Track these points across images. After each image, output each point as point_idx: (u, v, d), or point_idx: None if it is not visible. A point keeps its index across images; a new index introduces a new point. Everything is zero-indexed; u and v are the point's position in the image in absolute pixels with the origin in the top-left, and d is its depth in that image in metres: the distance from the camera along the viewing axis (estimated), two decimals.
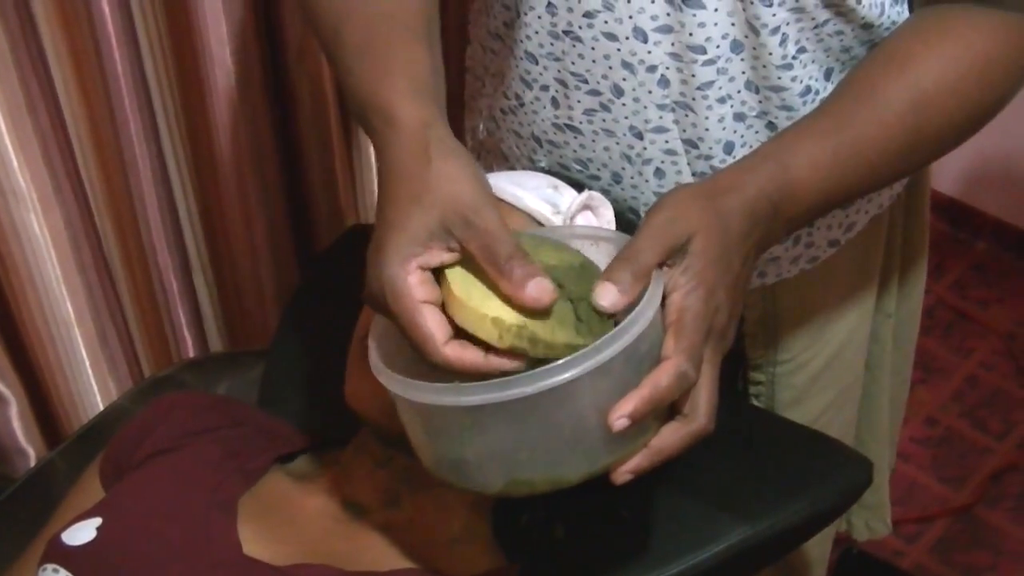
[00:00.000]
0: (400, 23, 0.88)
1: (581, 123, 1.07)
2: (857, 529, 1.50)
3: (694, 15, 0.96)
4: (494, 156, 1.21)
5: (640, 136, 1.05)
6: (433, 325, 0.75)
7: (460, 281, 0.77)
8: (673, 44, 0.98)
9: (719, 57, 0.98)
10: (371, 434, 1.02)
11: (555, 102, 1.08)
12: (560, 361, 0.73)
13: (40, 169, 1.25)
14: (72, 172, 1.28)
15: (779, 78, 0.99)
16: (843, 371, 1.28)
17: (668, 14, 0.97)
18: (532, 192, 1.02)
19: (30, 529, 1.07)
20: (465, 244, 0.76)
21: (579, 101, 1.06)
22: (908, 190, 1.22)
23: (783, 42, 0.97)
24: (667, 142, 1.04)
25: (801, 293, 1.19)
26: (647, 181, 1.08)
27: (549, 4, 1.02)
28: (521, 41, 1.06)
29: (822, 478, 1.10)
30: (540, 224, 1.00)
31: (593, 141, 1.08)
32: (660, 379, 0.75)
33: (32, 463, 1.38)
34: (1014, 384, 2.35)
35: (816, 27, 0.97)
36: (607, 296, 0.77)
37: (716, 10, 0.95)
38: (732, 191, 0.85)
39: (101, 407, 1.40)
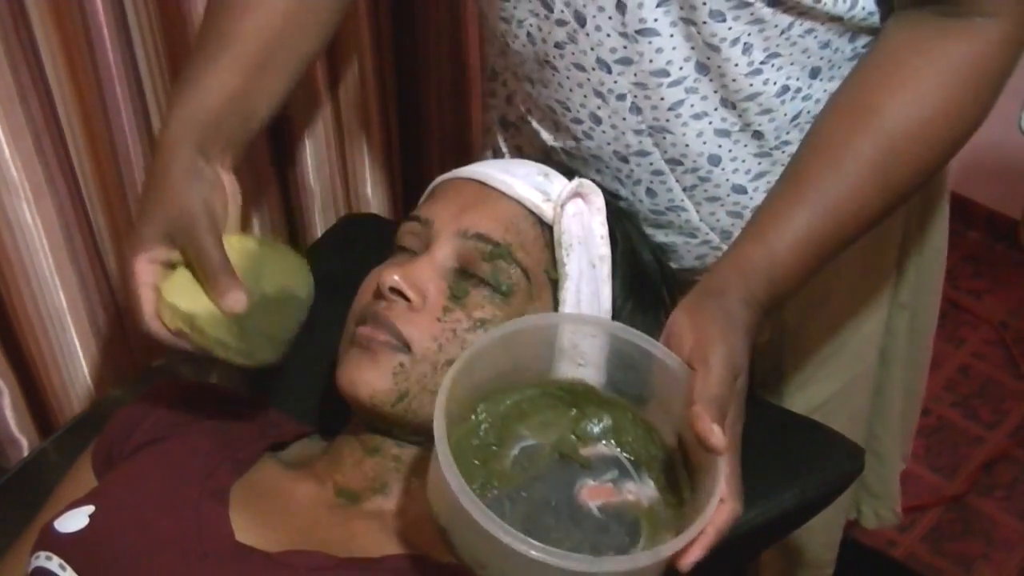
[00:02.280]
0: (240, 44, 1.03)
1: (573, 150, 1.09)
2: (866, 517, 1.50)
3: (649, 42, 0.96)
4: None
5: (625, 160, 1.05)
6: (146, 301, 0.94)
7: (177, 280, 0.95)
8: (636, 74, 0.98)
9: (685, 77, 0.98)
10: (362, 422, 1.02)
11: (555, 126, 1.09)
12: (663, 546, 0.81)
13: (32, 159, 1.24)
14: (64, 161, 1.28)
15: (750, 85, 0.98)
16: (851, 360, 1.28)
17: (624, 47, 0.97)
18: (522, 180, 1.02)
19: (23, 518, 1.07)
20: (183, 251, 0.95)
21: (567, 128, 1.07)
22: None
23: (746, 50, 0.96)
24: (651, 164, 1.05)
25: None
26: (641, 201, 1.08)
27: (529, 34, 1.02)
28: (518, 67, 1.08)
29: (812, 466, 1.11)
30: (530, 211, 1.00)
31: (585, 164, 1.09)
32: (721, 524, 0.84)
33: (25, 453, 1.37)
34: (1006, 374, 2.35)
35: (783, 32, 0.96)
36: (719, 438, 0.82)
37: (672, 36, 0.95)
38: (729, 290, 0.90)
39: (94, 397, 1.40)
